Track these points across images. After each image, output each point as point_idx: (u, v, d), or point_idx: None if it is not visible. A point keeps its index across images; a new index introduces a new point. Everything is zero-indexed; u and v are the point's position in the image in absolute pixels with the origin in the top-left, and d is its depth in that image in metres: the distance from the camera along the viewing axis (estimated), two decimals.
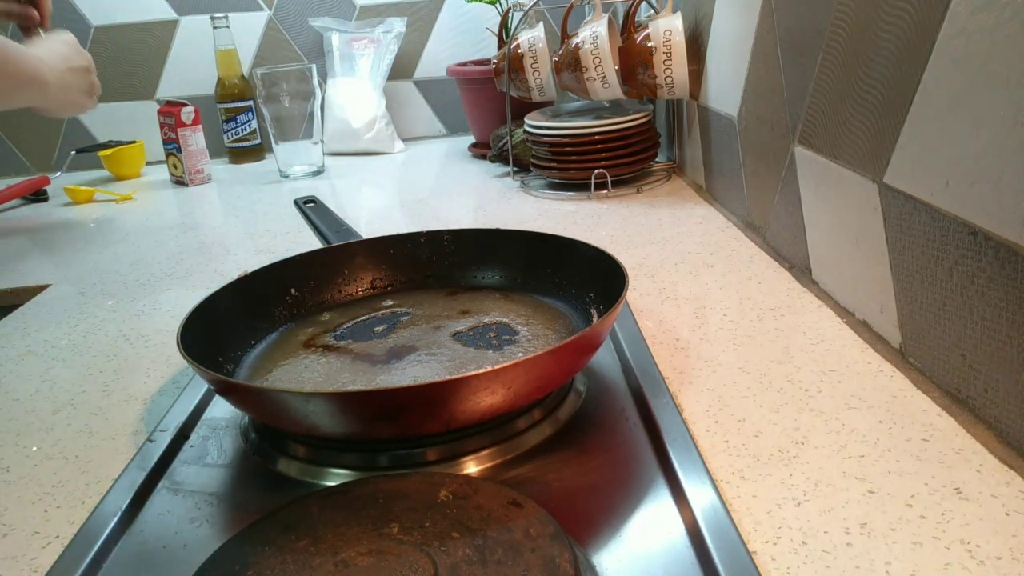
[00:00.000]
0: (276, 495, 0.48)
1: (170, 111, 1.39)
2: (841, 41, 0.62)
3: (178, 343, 0.53)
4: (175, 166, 1.42)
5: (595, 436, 0.51)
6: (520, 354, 0.59)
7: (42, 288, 0.92)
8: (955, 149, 0.48)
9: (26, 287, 0.93)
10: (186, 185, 1.40)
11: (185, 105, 1.40)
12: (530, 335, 0.62)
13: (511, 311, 0.66)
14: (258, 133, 1.56)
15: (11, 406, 0.63)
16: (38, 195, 1.40)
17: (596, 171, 1.07)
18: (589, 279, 0.64)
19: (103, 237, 1.12)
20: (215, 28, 1.48)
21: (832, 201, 0.66)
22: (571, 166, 1.10)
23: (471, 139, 1.50)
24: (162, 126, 1.41)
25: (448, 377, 0.46)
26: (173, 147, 1.40)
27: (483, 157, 1.37)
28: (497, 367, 0.46)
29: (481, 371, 0.45)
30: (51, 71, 0.92)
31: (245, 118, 1.54)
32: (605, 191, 1.08)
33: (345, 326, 0.66)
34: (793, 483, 0.45)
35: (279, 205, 1.21)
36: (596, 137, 1.08)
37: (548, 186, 1.15)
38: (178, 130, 1.38)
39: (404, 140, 1.58)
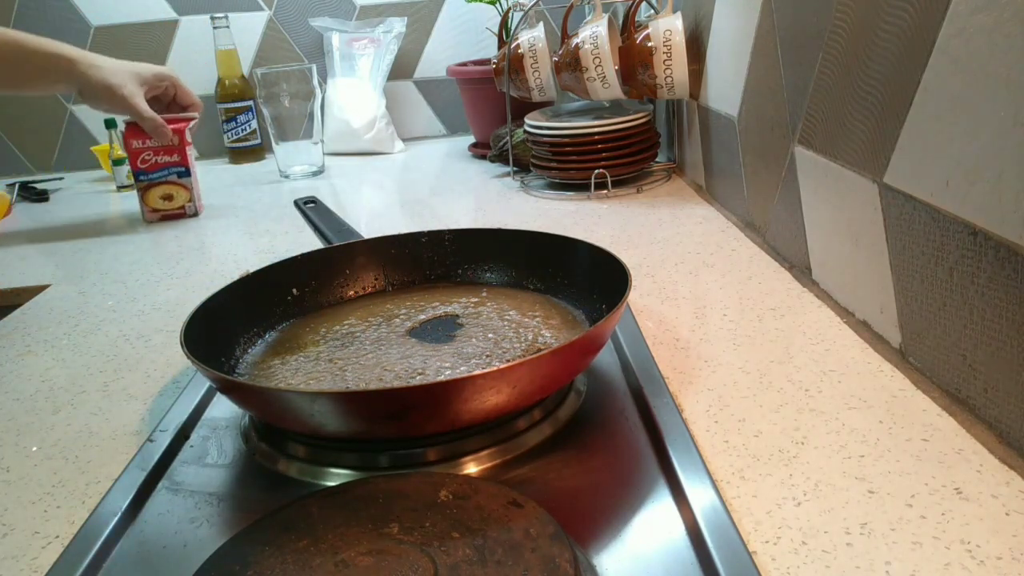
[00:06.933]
0: (276, 495, 0.48)
1: (176, 129, 1.11)
2: (841, 41, 0.62)
3: (182, 343, 0.53)
4: (170, 197, 1.13)
5: (595, 436, 0.51)
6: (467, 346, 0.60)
7: (42, 288, 0.92)
8: (955, 149, 0.48)
9: (26, 287, 0.93)
10: (196, 216, 1.15)
11: (194, 118, 1.14)
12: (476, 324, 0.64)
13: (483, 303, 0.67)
14: (258, 133, 1.56)
15: (11, 406, 0.63)
16: (39, 195, 1.40)
17: (596, 171, 1.07)
18: (591, 279, 0.64)
19: (103, 237, 1.12)
20: (215, 28, 1.48)
21: (832, 201, 0.66)
22: (571, 166, 1.10)
23: (471, 139, 1.50)
24: (151, 151, 1.10)
25: (454, 376, 0.46)
26: (177, 172, 1.12)
27: (483, 157, 1.37)
28: (503, 366, 0.46)
29: (487, 370, 0.45)
30: (75, 50, 1.05)
31: (245, 118, 1.54)
32: (605, 191, 1.08)
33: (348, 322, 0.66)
34: (793, 483, 0.45)
35: (279, 205, 1.21)
36: (596, 137, 1.08)
37: (548, 186, 1.15)
38: (186, 149, 1.12)
39: (404, 140, 1.58)
